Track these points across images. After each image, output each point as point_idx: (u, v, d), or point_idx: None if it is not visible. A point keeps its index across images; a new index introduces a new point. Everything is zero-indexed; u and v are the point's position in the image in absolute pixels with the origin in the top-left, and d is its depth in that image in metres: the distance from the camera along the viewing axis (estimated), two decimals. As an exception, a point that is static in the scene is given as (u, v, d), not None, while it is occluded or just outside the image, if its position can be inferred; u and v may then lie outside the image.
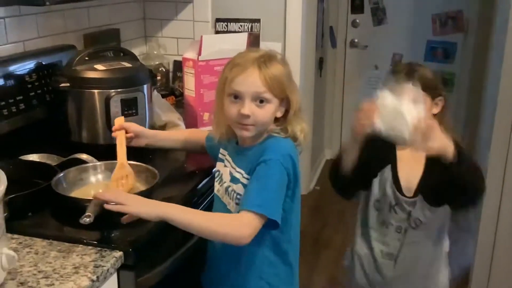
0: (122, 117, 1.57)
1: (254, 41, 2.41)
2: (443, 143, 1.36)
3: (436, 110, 1.58)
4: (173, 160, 1.76)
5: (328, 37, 4.13)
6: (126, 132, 1.52)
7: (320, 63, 3.90)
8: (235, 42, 1.97)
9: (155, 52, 2.58)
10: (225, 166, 1.40)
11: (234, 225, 1.22)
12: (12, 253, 1.03)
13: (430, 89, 1.55)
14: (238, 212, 1.24)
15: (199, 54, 1.97)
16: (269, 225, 1.24)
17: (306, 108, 3.02)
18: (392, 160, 1.60)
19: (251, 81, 1.26)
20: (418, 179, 1.57)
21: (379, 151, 1.57)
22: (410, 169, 1.58)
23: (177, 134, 1.75)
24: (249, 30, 2.49)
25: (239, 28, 2.54)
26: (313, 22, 3.29)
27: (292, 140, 1.33)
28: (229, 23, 2.54)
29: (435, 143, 1.34)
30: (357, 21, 4.22)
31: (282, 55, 1.38)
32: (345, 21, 4.26)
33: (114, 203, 1.18)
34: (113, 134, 1.51)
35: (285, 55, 2.51)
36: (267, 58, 1.29)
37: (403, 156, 1.59)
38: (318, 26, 3.54)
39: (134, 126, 1.55)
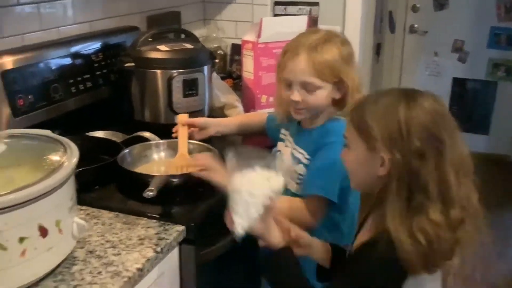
0: (186, 114, 1.59)
1: (312, 24, 2.39)
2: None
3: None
4: (231, 140, 1.79)
5: (386, 22, 4.03)
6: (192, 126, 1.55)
7: (378, 49, 3.83)
8: (294, 25, 1.96)
9: (213, 35, 2.61)
10: (286, 146, 1.41)
11: (303, 214, 1.25)
12: (82, 222, 1.07)
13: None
14: (301, 193, 1.26)
15: (259, 36, 1.97)
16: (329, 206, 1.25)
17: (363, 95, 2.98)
18: None
19: (300, 69, 1.27)
20: None
21: None
22: None
23: (238, 119, 1.76)
24: (308, 13, 2.47)
25: (297, 11, 2.52)
26: (372, 6, 3.22)
27: None
28: (287, 6, 2.53)
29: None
30: (417, 5, 4.09)
31: (343, 36, 1.36)
32: (404, 5, 4.14)
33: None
34: (174, 130, 1.53)
35: (343, 39, 2.48)
36: (322, 41, 1.27)
37: None
38: (377, 10, 3.46)
39: (197, 120, 1.58)
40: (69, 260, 1.08)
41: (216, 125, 1.63)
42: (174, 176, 1.35)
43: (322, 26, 2.41)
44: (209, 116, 1.90)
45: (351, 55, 1.31)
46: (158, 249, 1.14)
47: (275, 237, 1.05)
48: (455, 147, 0.91)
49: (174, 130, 1.55)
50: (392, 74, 4.34)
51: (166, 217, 1.26)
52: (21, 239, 0.94)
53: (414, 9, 4.11)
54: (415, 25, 4.14)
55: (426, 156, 0.87)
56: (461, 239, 0.91)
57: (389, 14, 4.08)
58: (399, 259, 0.88)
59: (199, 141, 1.56)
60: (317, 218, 1.26)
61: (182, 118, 1.55)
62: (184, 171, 1.37)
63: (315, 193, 1.25)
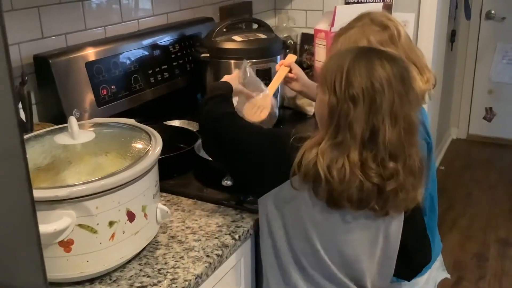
0: (295, 56, 1.62)
1: (386, 11, 2.33)
2: None
3: None
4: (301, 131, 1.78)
5: (462, 8, 3.87)
6: (290, 71, 1.58)
7: (452, 36, 3.68)
8: (369, 13, 1.92)
9: (284, 25, 2.60)
10: None
11: None
12: (165, 208, 1.11)
13: None
14: None
15: (332, 25, 1.95)
16: None
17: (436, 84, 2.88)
18: None
19: None
20: None
21: None
22: None
23: None
24: (382, 0, 2.41)
25: (370, -2, 2.46)
26: (447, -8, 3.11)
27: None
28: (360, -6, 2.48)
29: None
30: (495, -10, 3.91)
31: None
32: (481, -9, 3.97)
33: None
34: (277, 66, 1.58)
35: (418, 27, 2.41)
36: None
37: None
38: (452, -4, 3.34)
39: (298, 69, 1.61)
40: (153, 244, 1.13)
41: (305, 85, 1.63)
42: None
43: (396, 13, 2.35)
44: (282, 106, 1.91)
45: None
46: (236, 236, 1.16)
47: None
48: (399, 104, 0.97)
49: (276, 67, 1.59)
50: (467, 62, 4.17)
51: (243, 206, 1.28)
52: (111, 223, 0.98)
53: (492, -6, 3.93)
54: (492, 11, 3.96)
55: (358, 101, 0.96)
56: (386, 190, 0.97)
57: (464, 0, 3.92)
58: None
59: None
60: None
61: (290, 58, 1.59)
62: (259, 117, 1.40)
63: None
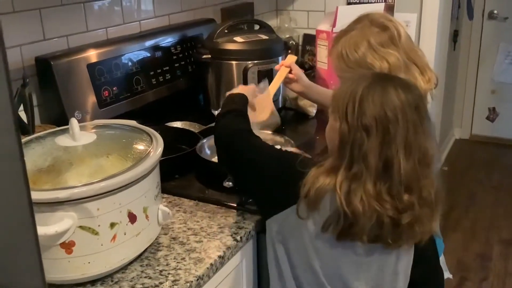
0: (295, 57, 1.63)
1: (389, 12, 2.33)
2: None
3: None
4: (303, 132, 1.79)
5: (464, 8, 3.87)
6: (290, 72, 1.58)
7: (455, 36, 3.68)
8: (370, 13, 1.92)
9: (286, 25, 2.60)
10: None
11: None
12: (167, 209, 1.11)
13: None
14: None
15: (334, 26, 1.95)
16: None
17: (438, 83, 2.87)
18: None
19: None
20: None
21: None
22: None
23: (328, 91, 1.75)
24: (384, 1, 2.41)
25: (372, -1, 2.46)
26: (450, -8, 3.10)
27: None
28: (361, -6, 2.48)
29: None
30: (498, -10, 3.90)
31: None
32: (484, -10, 3.96)
33: None
34: (276, 67, 1.60)
35: (420, 27, 2.40)
36: None
37: None
38: (454, -4, 3.33)
39: (297, 70, 1.61)
40: (154, 245, 1.13)
41: (305, 86, 1.63)
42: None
43: (398, 13, 2.35)
44: (283, 107, 1.91)
45: None
46: (238, 237, 1.16)
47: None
48: (413, 134, 0.95)
49: (276, 67, 1.61)
50: (469, 63, 4.16)
51: (245, 207, 1.28)
52: (112, 225, 0.98)
53: (494, -6, 3.92)
54: (495, 11, 3.95)
55: (371, 131, 0.93)
56: (402, 223, 0.94)
57: (467, 0, 3.91)
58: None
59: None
60: None
61: (290, 59, 1.60)
62: (260, 118, 1.42)
63: None
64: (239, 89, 1.39)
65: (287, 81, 1.59)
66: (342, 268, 1.02)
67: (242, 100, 1.32)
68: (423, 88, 1.26)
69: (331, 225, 0.96)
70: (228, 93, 1.37)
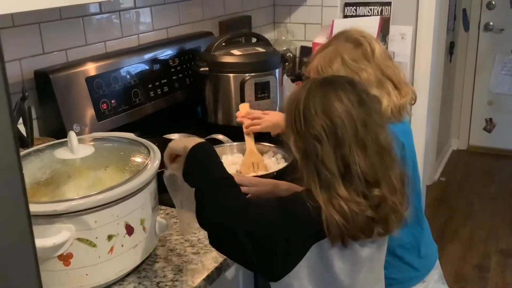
0: (247, 104, 1.60)
1: (384, 25, 2.36)
2: None
3: None
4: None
5: (460, 20, 3.91)
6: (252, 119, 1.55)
7: (451, 48, 3.71)
8: (366, 26, 1.92)
9: (283, 38, 2.63)
10: None
11: None
12: (164, 221, 1.12)
13: None
14: None
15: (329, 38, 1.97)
16: None
17: (434, 95, 2.89)
18: None
19: None
20: None
21: None
22: None
23: None
24: (379, 14, 2.44)
25: (368, 12, 2.49)
26: (445, 4, 3.13)
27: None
28: (358, 7, 2.50)
29: None
30: (493, 2, 3.94)
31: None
32: (479, 2, 4.00)
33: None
34: (238, 120, 1.57)
35: (416, 39, 2.43)
36: None
37: None
38: (450, 8, 3.37)
39: (255, 112, 1.57)
40: (152, 257, 1.13)
41: (266, 120, 1.57)
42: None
43: (394, 26, 2.37)
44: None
45: None
46: (235, 249, 1.17)
47: None
48: (363, 129, 0.95)
49: (238, 115, 1.58)
50: (466, 74, 4.19)
51: (242, 218, 1.28)
52: (109, 237, 0.99)
53: (489, 6, 3.96)
54: (491, 23, 3.99)
55: (322, 139, 0.94)
56: (381, 217, 0.95)
57: (463, 12, 3.95)
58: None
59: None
60: None
61: (244, 108, 1.58)
62: (257, 171, 1.39)
63: None
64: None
65: (254, 130, 1.55)
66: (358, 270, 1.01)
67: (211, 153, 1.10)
68: (396, 104, 1.27)
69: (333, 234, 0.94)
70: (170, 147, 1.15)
